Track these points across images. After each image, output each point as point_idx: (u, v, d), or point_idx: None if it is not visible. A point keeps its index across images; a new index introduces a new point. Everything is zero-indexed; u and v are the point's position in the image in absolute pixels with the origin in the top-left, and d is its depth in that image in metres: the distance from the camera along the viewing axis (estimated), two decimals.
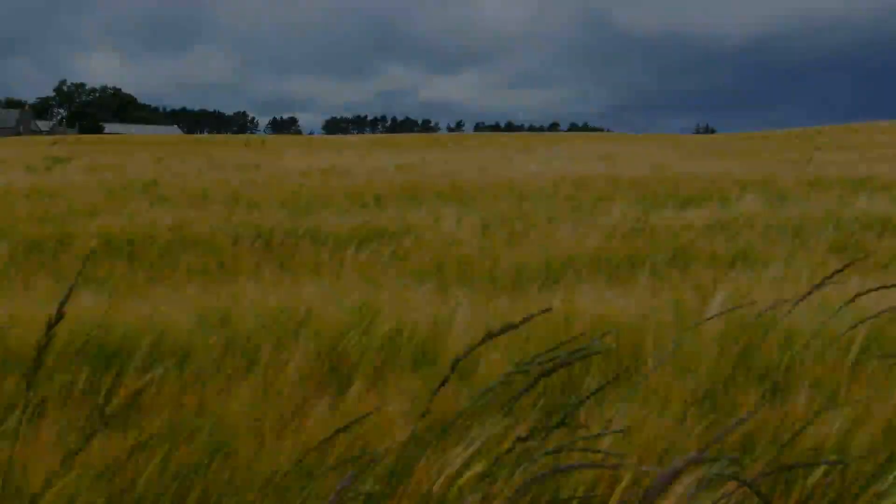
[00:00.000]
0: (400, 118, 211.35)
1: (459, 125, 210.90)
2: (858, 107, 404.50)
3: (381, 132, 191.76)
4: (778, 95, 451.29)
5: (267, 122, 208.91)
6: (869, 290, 1.82)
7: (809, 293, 2.49)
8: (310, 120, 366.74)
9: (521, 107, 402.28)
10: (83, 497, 2.11)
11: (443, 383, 1.94)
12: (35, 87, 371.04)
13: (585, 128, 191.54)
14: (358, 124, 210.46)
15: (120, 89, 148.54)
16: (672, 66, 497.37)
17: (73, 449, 1.86)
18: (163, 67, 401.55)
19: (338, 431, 1.92)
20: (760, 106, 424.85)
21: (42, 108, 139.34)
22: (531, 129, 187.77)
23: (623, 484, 2.33)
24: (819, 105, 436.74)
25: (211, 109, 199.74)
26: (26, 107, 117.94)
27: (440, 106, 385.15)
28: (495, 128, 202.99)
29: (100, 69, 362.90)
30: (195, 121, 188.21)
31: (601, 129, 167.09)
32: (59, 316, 0.91)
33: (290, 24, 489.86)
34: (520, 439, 1.98)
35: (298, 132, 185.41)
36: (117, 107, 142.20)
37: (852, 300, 2.20)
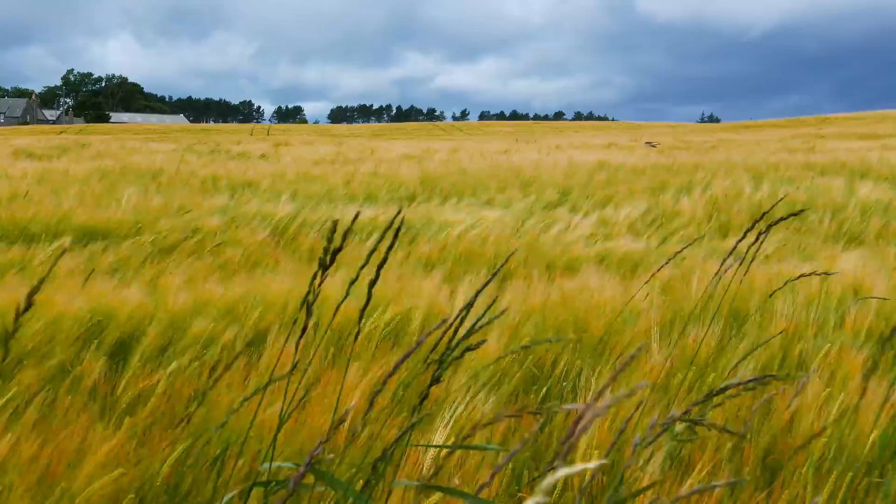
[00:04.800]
0: (405, 107, 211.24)
1: (464, 114, 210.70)
2: (883, 94, 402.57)
3: (387, 121, 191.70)
4: (800, 83, 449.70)
5: (273, 111, 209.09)
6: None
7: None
8: (318, 109, 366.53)
9: (537, 95, 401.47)
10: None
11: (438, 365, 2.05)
12: (51, 75, 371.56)
13: (590, 117, 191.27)
14: (364, 113, 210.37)
15: (126, 78, 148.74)
16: (692, 53, 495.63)
17: None
18: (180, 55, 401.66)
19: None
20: (781, 93, 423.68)
21: (49, 98, 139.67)
22: (535, 118, 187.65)
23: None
24: (841, 93, 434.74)
25: (217, 98, 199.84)
26: (33, 96, 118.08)
27: (456, 95, 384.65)
28: (500, 116, 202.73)
29: (116, 57, 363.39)
30: (202, 110, 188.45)
31: (606, 118, 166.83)
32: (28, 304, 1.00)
33: (311, 10, 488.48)
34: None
35: (304, 121, 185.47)
36: (123, 96, 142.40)
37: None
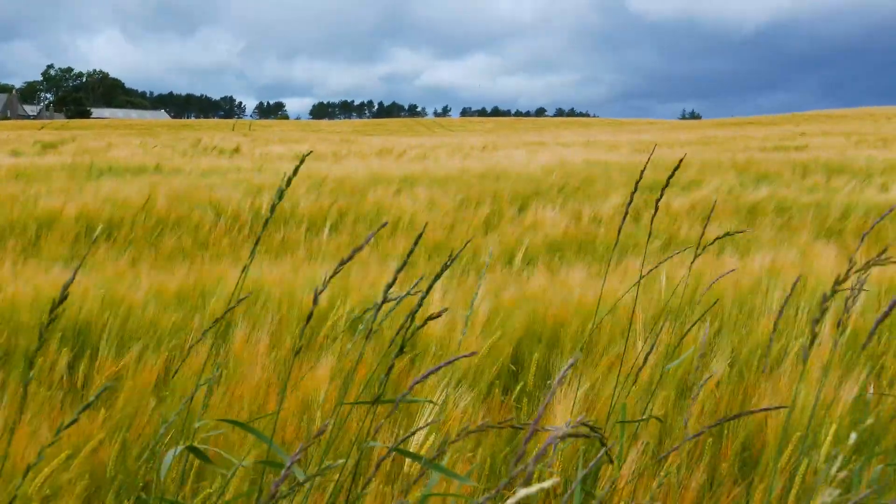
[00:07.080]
0: (387, 104, 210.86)
1: (446, 110, 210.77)
2: (874, 92, 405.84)
3: (368, 117, 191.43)
4: (788, 82, 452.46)
5: (254, 107, 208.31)
6: None
7: None
8: (301, 105, 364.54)
9: (524, 92, 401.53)
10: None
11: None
12: (35, 70, 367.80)
13: (572, 114, 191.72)
14: (345, 109, 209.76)
15: (107, 73, 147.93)
16: (682, 51, 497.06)
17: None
18: (168, 51, 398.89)
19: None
20: (771, 90, 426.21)
21: (29, 93, 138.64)
22: (517, 114, 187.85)
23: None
24: (833, 90, 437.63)
25: (198, 94, 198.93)
26: (14, 91, 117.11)
27: (440, 91, 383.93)
28: (482, 113, 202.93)
29: (102, 53, 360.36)
30: (182, 105, 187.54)
31: (587, 115, 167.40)
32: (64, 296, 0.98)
33: (304, 7, 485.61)
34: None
35: (286, 117, 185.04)
36: (104, 91, 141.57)
37: None
